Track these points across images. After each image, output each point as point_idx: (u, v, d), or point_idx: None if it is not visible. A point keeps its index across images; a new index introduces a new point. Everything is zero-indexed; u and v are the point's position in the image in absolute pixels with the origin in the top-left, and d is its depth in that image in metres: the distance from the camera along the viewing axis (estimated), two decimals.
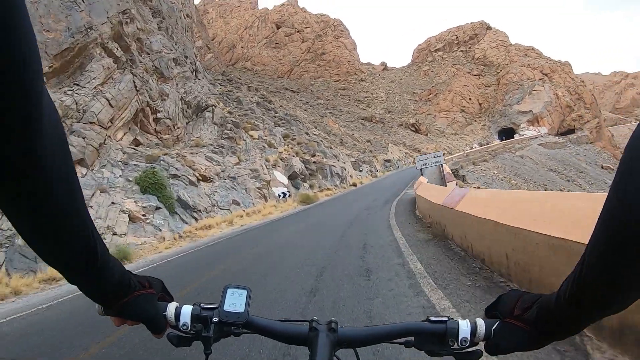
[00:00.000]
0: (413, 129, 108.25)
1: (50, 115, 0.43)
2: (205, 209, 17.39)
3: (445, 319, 0.69)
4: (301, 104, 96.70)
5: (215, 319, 0.69)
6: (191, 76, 31.44)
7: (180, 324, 0.69)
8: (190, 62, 33.87)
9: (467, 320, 0.68)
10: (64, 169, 0.47)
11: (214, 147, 24.37)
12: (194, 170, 19.48)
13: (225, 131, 27.05)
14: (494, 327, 0.65)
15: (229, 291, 0.70)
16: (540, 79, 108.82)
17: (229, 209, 18.84)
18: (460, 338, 0.66)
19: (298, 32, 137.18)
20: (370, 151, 65.77)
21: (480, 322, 0.67)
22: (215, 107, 29.80)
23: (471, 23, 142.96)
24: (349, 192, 28.76)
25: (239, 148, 26.22)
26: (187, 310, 0.70)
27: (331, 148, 40.95)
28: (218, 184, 20.38)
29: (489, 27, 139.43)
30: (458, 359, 0.68)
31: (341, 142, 62.15)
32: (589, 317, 0.54)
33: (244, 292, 0.71)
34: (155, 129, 21.87)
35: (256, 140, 30.67)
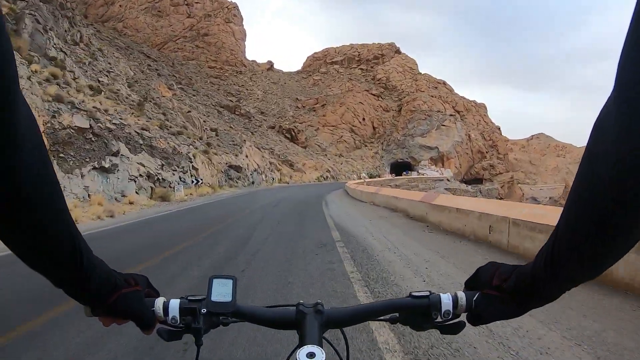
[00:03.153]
0: (288, 135, 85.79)
1: (27, 118, 0.43)
2: None
3: (427, 293, 0.69)
4: (147, 69, 68.63)
5: (203, 310, 0.67)
6: None
7: (169, 318, 0.68)
8: None
9: (448, 293, 0.69)
10: (44, 171, 0.46)
11: None
12: None
13: None
14: (474, 299, 0.66)
15: (215, 281, 0.69)
16: (451, 115, 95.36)
17: None
18: (443, 311, 0.67)
19: (187, 4, 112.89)
20: (209, 144, 39.75)
21: (461, 294, 0.67)
22: None
23: (379, 43, 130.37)
24: None
25: None
26: (175, 304, 0.68)
27: None
28: None
29: (398, 51, 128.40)
30: (443, 331, 0.69)
31: (139, 108, 34.68)
32: (564, 285, 0.55)
33: (230, 282, 0.69)
34: None
35: None
